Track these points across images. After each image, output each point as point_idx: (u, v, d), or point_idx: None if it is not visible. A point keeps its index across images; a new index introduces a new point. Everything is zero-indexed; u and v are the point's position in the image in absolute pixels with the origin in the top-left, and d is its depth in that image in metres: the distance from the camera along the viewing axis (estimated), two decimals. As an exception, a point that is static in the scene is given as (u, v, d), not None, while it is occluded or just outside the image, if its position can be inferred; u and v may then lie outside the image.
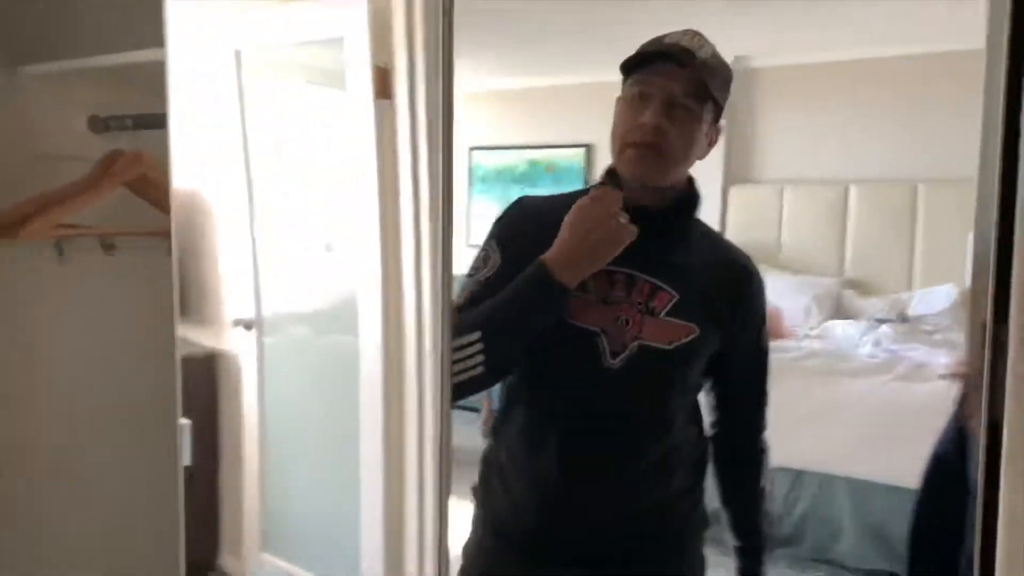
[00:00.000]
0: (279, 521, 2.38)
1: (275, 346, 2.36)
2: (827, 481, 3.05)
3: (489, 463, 1.32)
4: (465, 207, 4.58)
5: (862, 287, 4.60)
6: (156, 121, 1.31)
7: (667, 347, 1.18)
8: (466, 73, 5.68)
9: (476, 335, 1.14)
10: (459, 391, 1.19)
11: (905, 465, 1.33)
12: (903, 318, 3.99)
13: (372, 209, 1.87)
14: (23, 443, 1.32)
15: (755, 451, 1.34)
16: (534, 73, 5.13)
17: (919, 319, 3.97)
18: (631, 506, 1.23)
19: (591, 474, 1.21)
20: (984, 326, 0.66)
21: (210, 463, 2.34)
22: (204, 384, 2.38)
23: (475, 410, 4.94)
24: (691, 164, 1.22)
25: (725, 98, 1.20)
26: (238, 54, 2.26)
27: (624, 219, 1.13)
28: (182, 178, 2.23)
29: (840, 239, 4.75)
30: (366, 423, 1.97)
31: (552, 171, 4.64)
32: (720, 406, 1.34)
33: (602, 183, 1.22)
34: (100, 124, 1.39)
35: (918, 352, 3.42)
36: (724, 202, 5.13)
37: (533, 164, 4.51)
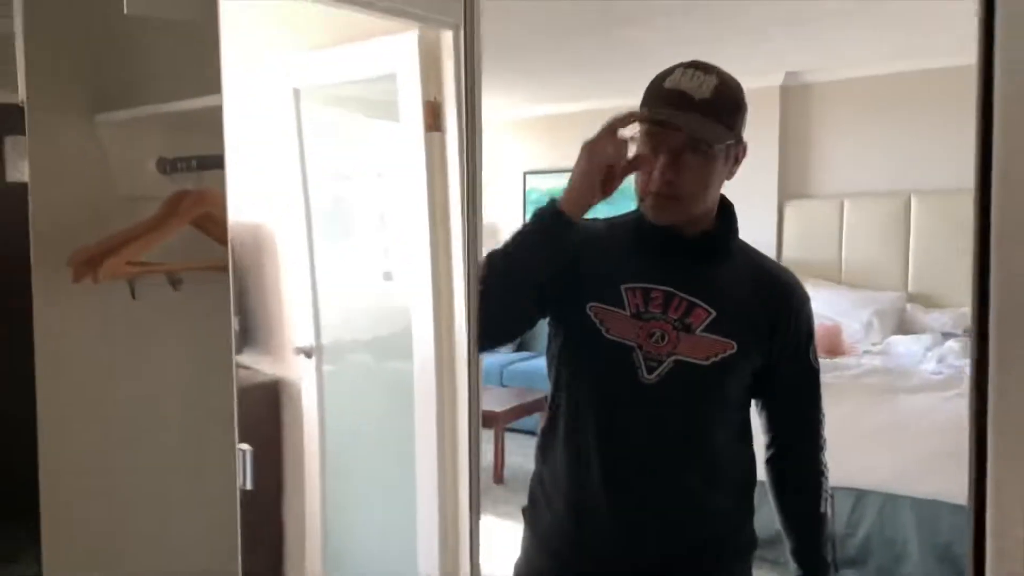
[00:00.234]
0: (339, 543, 2.44)
1: (334, 373, 2.43)
2: (891, 501, 2.98)
3: (535, 482, 1.35)
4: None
5: (926, 300, 4.49)
6: (218, 162, 1.39)
7: (703, 362, 1.20)
8: (521, 100, 5.77)
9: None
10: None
11: (972, 484, 1.31)
12: (970, 332, 3.89)
13: (424, 237, 1.93)
14: (98, 468, 1.40)
15: (811, 473, 1.32)
16: (589, 97, 5.19)
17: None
18: (672, 523, 1.24)
19: (630, 489, 1.22)
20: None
21: (274, 487, 2.41)
22: (268, 411, 2.46)
23: (533, 433, 4.97)
24: (717, 192, 1.24)
25: (739, 121, 1.21)
26: (296, 92, 2.36)
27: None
28: (246, 212, 2.34)
29: (903, 252, 4.65)
30: (421, 445, 2.02)
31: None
32: (772, 426, 1.34)
33: (636, 215, 1.27)
34: (167, 165, 1.47)
35: (985, 367, 3.32)
36: (780, 218, 5.09)
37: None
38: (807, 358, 1.29)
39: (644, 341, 1.20)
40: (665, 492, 1.23)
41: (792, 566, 1.33)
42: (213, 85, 1.17)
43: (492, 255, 1.20)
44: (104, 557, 1.39)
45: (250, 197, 2.42)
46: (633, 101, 1.23)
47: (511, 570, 1.38)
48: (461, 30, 1.46)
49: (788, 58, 4.70)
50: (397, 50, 1.94)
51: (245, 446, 1.27)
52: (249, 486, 1.30)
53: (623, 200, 1.28)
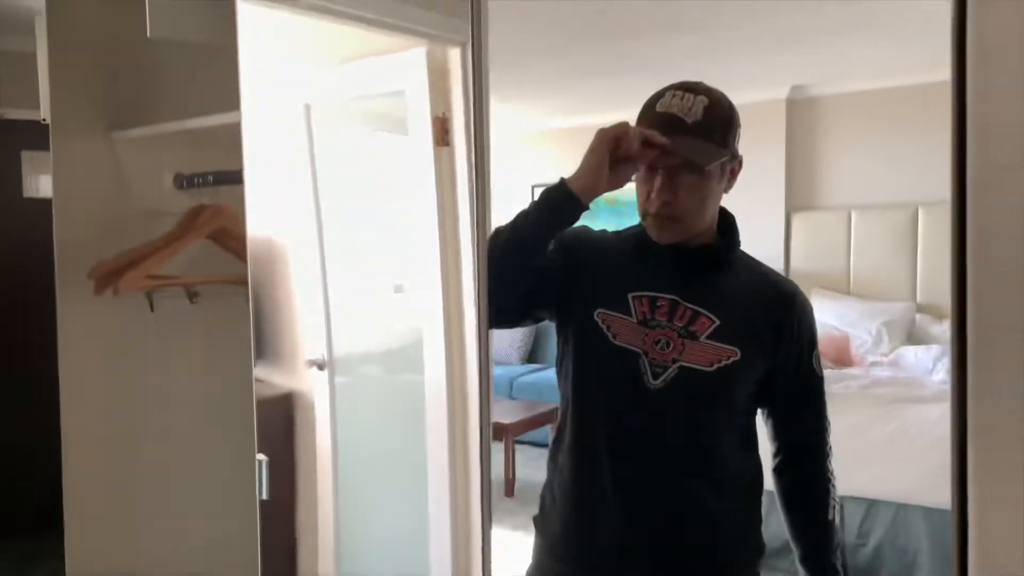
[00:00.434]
0: (352, 553, 2.45)
1: (347, 385, 2.45)
2: (902, 511, 2.98)
3: (546, 489, 1.36)
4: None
5: (935, 311, 4.48)
6: (234, 177, 1.42)
7: (708, 369, 1.22)
8: (528, 114, 5.81)
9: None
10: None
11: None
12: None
13: (434, 250, 1.96)
14: (117, 476, 1.43)
15: (818, 481, 1.33)
16: (595, 111, 5.21)
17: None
18: (679, 528, 1.25)
19: (637, 493, 1.24)
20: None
21: (287, 497, 2.43)
22: (281, 422, 2.48)
23: (544, 446, 4.96)
24: (715, 208, 1.27)
25: (732, 138, 1.23)
26: (308, 107, 2.40)
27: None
28: (257, 226, 2.37)
29: (911, 263, 4.64)
30: (433, 457, 2.04)
31: (613, 204, 4.70)
32: (778, 434, 1.35)
33: (641, 228, 1.30)
34: (184, 181, 1.51)
35: (995, 377, 3.32)
36: (788, 229, 5.10)
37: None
38: (810, 365, 1.30)
39: (650, 348, 1.23)
40: (671, 496, 1.25)
41: (802, 575, 1.34)
42: (230, 102, 1.21)
43: (498, 230, 1.24)
44: (123, 563, 1.41)
45: (262, 211, 2.45)
46: (634, 114, 1.26)
47: (524, 579, 1.40)
48: (468, 47, 1.50)
49: (794, 71, 4.73)
50: (406, 67, 1.97)
51: (262, 456, 1.29)
52: (265, 495, 1.32)
53: (630, 213, 1.30)
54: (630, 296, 1.25)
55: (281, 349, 2.53)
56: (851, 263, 4.87)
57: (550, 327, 1.38)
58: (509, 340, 5.68)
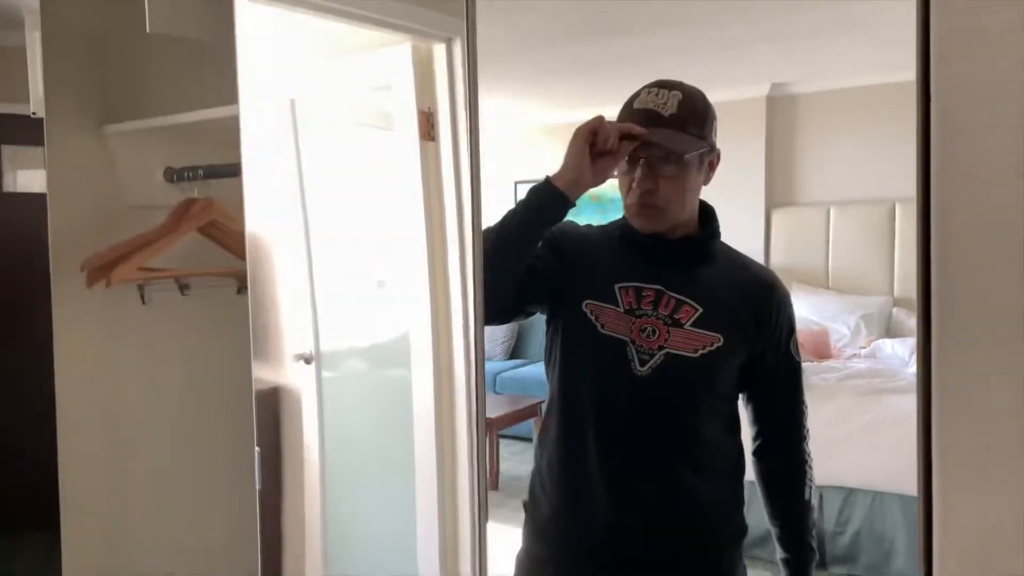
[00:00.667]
0: (339, 546, 2.47)
1: (333, 380, 2.47)
2: (879, 499, 3.05)
3: (535, 475, 1.40)
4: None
5: (912, 305, 4.53)
6: (225, 171, 1.44)
7: (692, 355, 1.26)
8: (510, 110, 5.83)
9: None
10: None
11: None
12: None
13: (420, 245, 1.98)
14: (110, 466, 1.44)
15: (795, 461, 1.37)
16: (578, 107, 5.25)
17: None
18: (664, 511, 1.29)
19: (624, 477, 1.28)
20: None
21: (274, 491, 2.44)
22: (268, 416, 2.49)
23: (528, 440, 5.00)
24: (695, 199, 1.32)
25: (708, 130, 1.28)
26: (293, 103, 2.41)
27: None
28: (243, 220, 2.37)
29: (888, 258, 4.72)
30: (420, 452, 2.06)
31: (597, 200, 4.73)
32: (757, 418, 1.40)
33: (624, 221, 1.34)
34: (175, 175, 1.52)
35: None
36: (768, 225, 5.16)
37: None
38: (789, 351, 1.35)
39: (637, 336, 1.27)
40: (657, 480, 1.29)
41: (777, 552, 1.39)
42: (220, 97, 1.22)
43: (487, 231, 1.27)
44: (119, 552, 1.42)
45: (247, 205, 2.45)
46: (616, 111, 1.31)
47: (509, 572, 1.43)
48: (454, 43, 1.52)
49: (774, 70, 4.79)
50: (392, 62, 1.99)
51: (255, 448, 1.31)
52: (258, 485, 1.34)
53: (614, 209, 1.35)
54: (617, 287, 1.29)
55: (267, 344, 2.54)
56: (830, 258, 4.95)
57: (533, 323, 1.42)
58: (492, 336, 5.71)
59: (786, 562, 1.38)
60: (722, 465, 1.34)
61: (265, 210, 2.46)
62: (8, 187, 3.57)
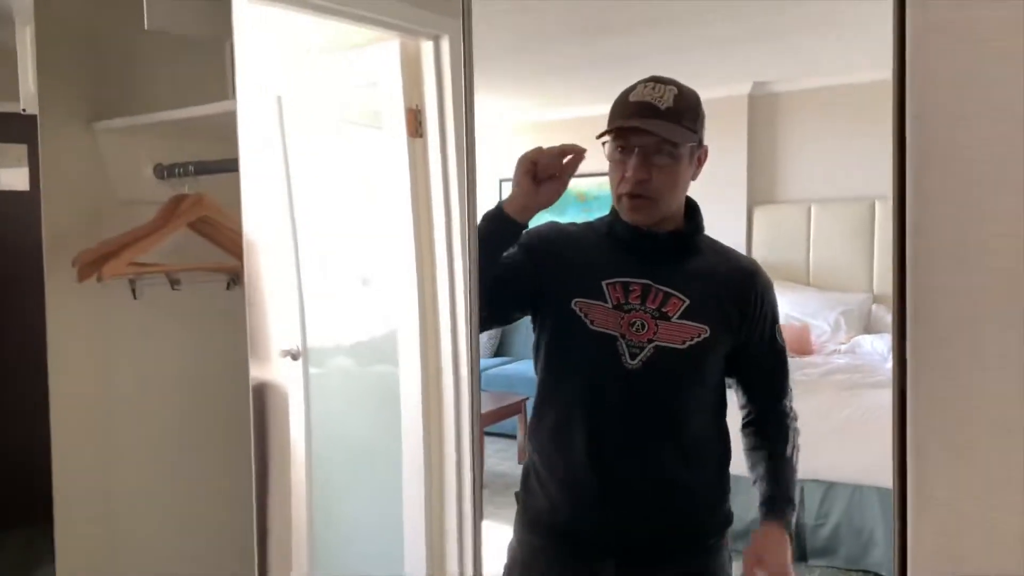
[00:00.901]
0: (325, 542, 2.47)
1: (320, 376, 2.47)
2: (858, 492, 3.10)
3: (527, 466, 1.43)
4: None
5: (891, 302, 4.60)
6: (216, 167, 1.45)
7: (681, 346, 1.29)
8: (495, 109, 5.84)
9: None
10: None
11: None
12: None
13: (408, 243, 1.99)
14: (105, 464, 1.45)
15: (780, 418, 1.42)
16: (564, 105, 5.28)
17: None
18: (656, 499, 1.32)
19: (615, 468, 1.31)
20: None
21: (261, 488, 2.44)
22: (254, 413, 2.49)
23: (512, 437, 5.01)
24: (684, 193, 1.35)
25: (699, 125, 1.32)
26: (279, 99, 2.41)
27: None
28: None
29: (868, 255, 4.78)
30: (407, 448, 2.07)
31: (583, 199, 4.76)
32: (746, 399, 1.44)
33: (611, 217, 1.37)
34: (165, 171, 1.53)
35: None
36: (749, 222, 5.21)
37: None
38: (774, 336, 1.40)
39: (626, 330, 1.30)
40: (647, 470, 1.32)
41: (761, 510, 1.39)
42: (217, 93, 1.23)
43: None
44: (113, 549, 1.43)
45: (244, 202, 2.44)
46: (608, 109, 1.34)
47: (496, 567, 1.46)
48: (442, 40, 1.53)
49: (756, 68, 4.83)
50: (379, 59, 1.99)
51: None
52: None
53: (599, 207, 1.38)
54: (604, 283, 1.32)
55: (254, 339, 2.54)
56: (811, 255, 5.00)
57: (518, 321, 1.45)
58: (477, 333, 5.71)
59: (769, 499, 1.38)
60: (709, 453, 1.37)
61: (252, 207, 2.46)
62: (-2, 184, 3.54)
